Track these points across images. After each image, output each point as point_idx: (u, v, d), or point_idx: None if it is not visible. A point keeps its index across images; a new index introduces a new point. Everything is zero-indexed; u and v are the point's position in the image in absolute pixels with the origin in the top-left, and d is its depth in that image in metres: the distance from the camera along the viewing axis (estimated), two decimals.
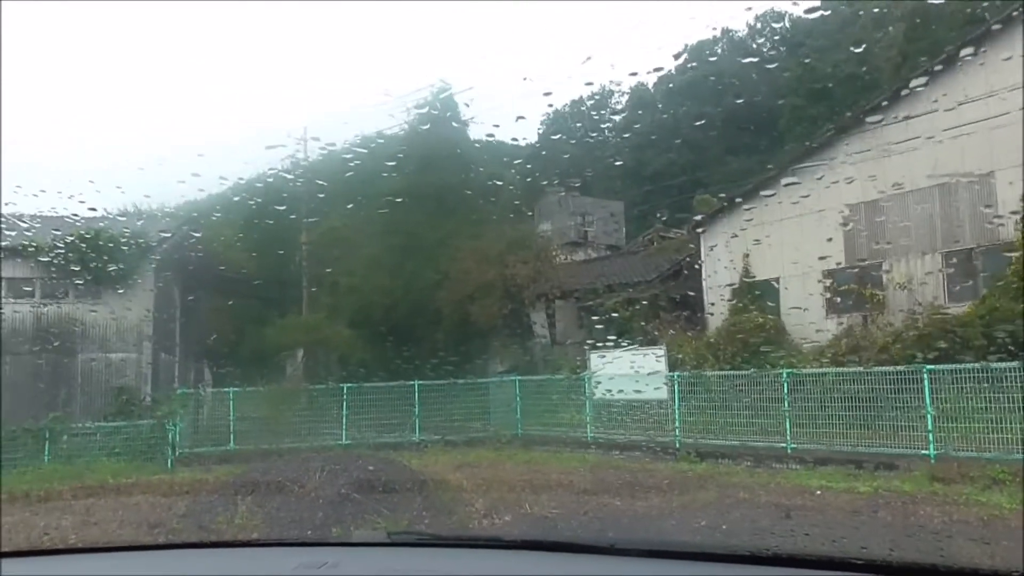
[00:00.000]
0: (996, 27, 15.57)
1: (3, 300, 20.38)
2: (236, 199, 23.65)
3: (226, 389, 20.10)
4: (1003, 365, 12.17)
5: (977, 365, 12.55)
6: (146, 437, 17.74)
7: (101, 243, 19.99)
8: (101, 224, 20.44)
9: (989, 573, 1.95)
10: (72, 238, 19.68)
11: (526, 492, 10.73)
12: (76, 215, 17.39)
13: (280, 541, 3.38)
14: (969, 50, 15.52)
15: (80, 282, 20.08)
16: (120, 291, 20.29)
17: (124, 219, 22.41)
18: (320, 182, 25.48)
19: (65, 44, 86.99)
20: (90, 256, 19.80)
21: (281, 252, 26.38)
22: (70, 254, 19.73)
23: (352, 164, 22.83)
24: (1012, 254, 14.94)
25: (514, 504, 9.99)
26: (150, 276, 21.23)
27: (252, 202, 22.28)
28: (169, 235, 21.77)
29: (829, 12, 38.39)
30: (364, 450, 14.85)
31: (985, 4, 18.56)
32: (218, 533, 7.98)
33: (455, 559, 2.44)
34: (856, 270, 18.27)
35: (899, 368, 13.51)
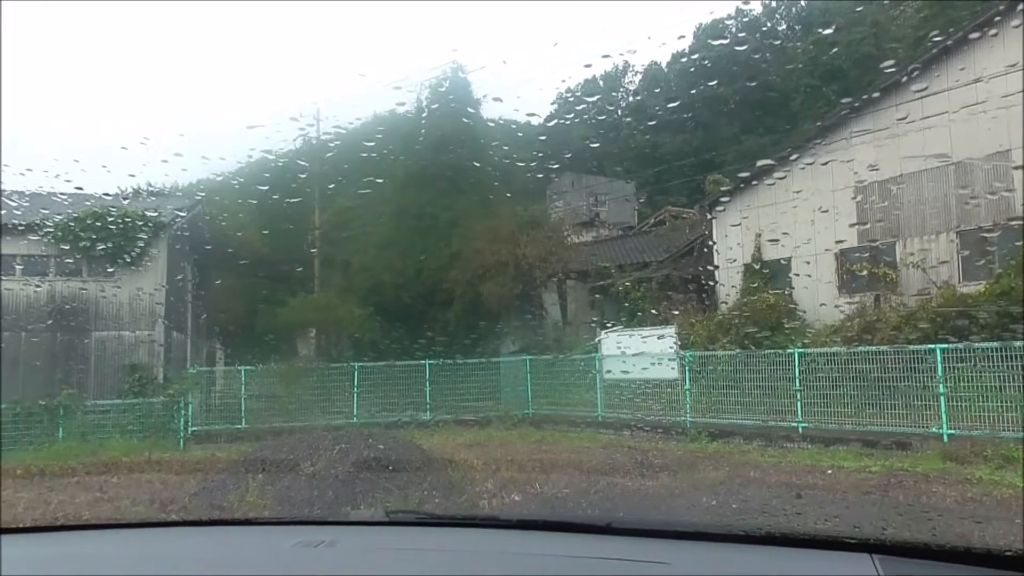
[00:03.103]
0: (1013, 3, 15.24)
1: (15, 277, 20.50)
2: (248, 179, 23.70)
3: (238, 368, 20.25)
4: (1017, 344, 12.05)
5: (990, 344, 12.43)
6: (159, 415, 17.91)
7: (114, 221, 20.11)
8: (113, 202, 20.52)
9: (982, 551, 1.94)
10: (85, 216, 19.80)
11: (536, 471, 10.76)
12: (91, 193, 17.41)
13: (280, 520, 3.40)
14: (985, 28, 15.27)
15: (93, 260, 20.22)
16: (133, 270, 20.41)
17: (136, 198, 22.49)
18: (332, 162, 25.46)
19: (71, 22, 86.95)
20: (103, 234, 19.93)
21: (293, 231, 26.43)
22: (83, 232, 19.86)
23: (364, 144, 22.77)
24: None
25: (524, 483, 9.99)
26: (163, 255, 21.34)
27: (264, 182, 22.32)
28: (183, 214, 21.83)
29: None
30: (375, 429, 14.90)
31: None
32: (229, 511, 8.04)
33: (452, 537, 2.46)
34: (869, 249, 18.11)
35: (912, 347, 13.41)
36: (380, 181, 23.93)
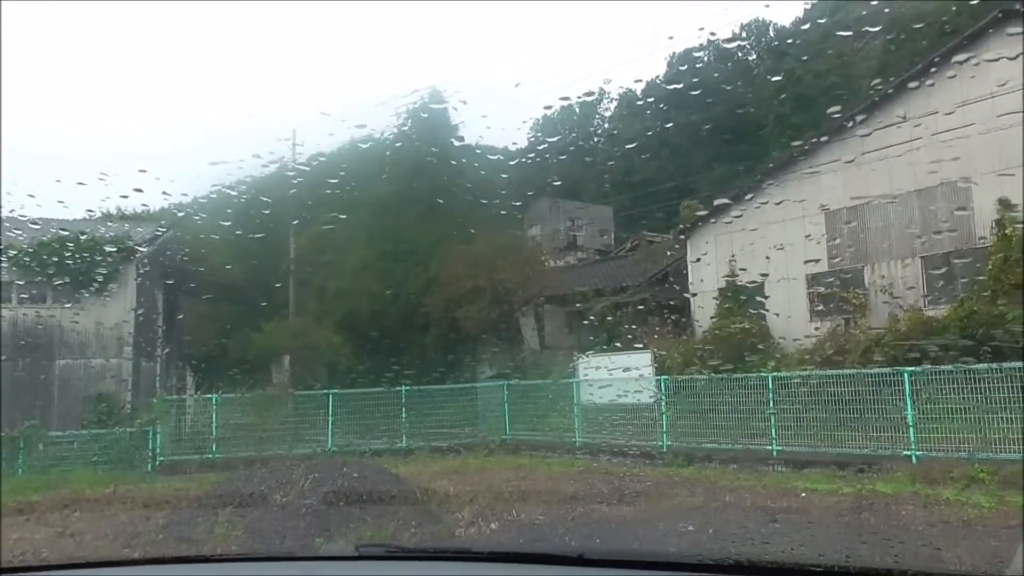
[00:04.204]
0: (969, 39, 15.80)
1: None
2: (222, 202, 23.55)
3: (209, 396, 19.90)
4: (981, 367, 12.30)
5: (956, 367, 12.65)
6: (125, 445, 17.46)
7: (82, 246, 19.70)
8: (83, 226, 20.18)
9: None
10: (51, 242, 19.41)
11: (513, 499, 10.68)
12: (58, 218, 17.06)
13: (247, 555, 3.34)
14: (946, 60, 15.80)
15: (59, 286, 19.79)
16: (101, 295, 20.02)
17: (107, 221, 22.14)
18: (308, 187, 25.38)
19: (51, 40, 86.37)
20: (70, 259, 19.53)
21: (268, 256, 26.26)
22: (48, 257, 19.46)
23: (341, 168, 22.74)
24: (988, 258, 15.16)
25: (501, 511, 9.93)
26: (132, 280, 20.97)
27: (237, 207, 22.16)
28: (153, 238, 21.52)
29: (808, 26, 38.96)
30: (350, 457, 14.70)
31: (960, 14, 18.89)
32: (197, 545, 7.86)
33: (422, 571, 2.43)
34: (838, 274, 18.43)
35: (881, 370, 13.61)
36: (357, 206, 23.92)
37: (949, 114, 14.00)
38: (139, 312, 21.01)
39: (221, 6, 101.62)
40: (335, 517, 9.09)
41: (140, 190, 19.31)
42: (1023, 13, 13.18)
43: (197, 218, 24.54)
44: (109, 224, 21.30)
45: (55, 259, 19.46)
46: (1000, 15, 15.27)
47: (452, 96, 27.96)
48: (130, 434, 17.82)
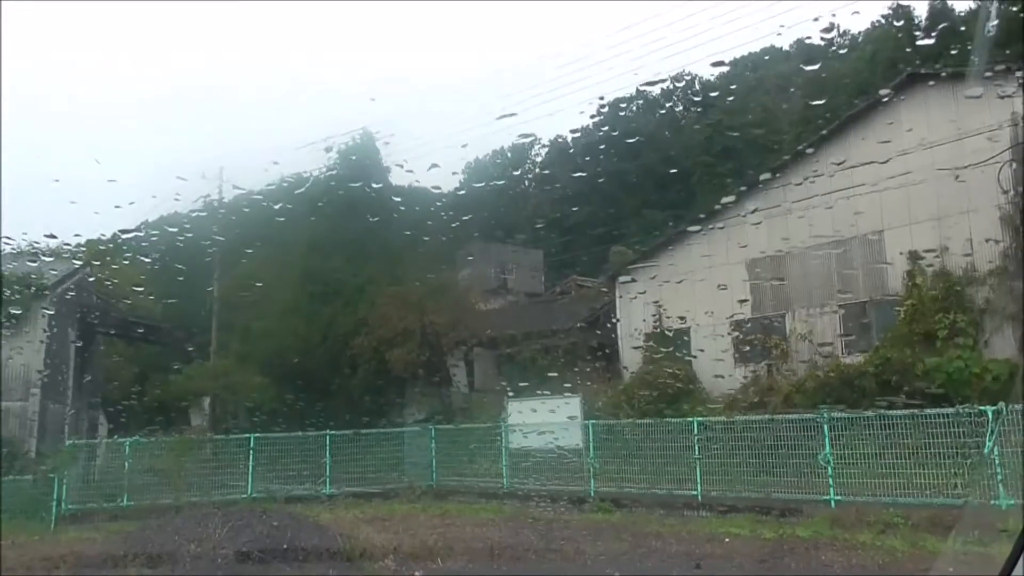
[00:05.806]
0: (884, 97, 16.95)
1: None
2: (141, 241, 22.79)
3: (122, 440, 18.90)
4: (895, 413, 12.83)
5: (871, 413, 13.15)
6: (27, 494, 16.37)
7: None
8: None
9: None
10: None
11: (438, 548, 10.53)
12: None
13: None
14: (861, 116, 16.90)
15: None
16: (6, 334, 18.89)
17: (15, 257, 21.00)
18: (234, 225, 24.83)
19: None
20: None
21: (190, 297, 25.42)
22: None
23: (269, 207, 22.38)
24: (900, 308, 16.01)
25: (426, 560, 9.80)
26: (41, 319, 19.90)
27: (160, 243, 21.44)
28: (65, 276, 20.52)
29: (734, 83, 41.13)
30: (270, 504, 14.23)
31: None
32: None
33: None
34: (761, 322, 19.04)
35: (801, 416, 14.02)
36: (285, 247, 23.51)
37: (863, 167, 14.85)
38: (48, 353, 19.91)
39: (154, 35, 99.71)
40: (252, 569, 8.81)
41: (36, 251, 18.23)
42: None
43: (144, 237, 23.63)
44: (13, 264, 20.14)
45: None
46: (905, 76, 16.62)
47: (384, 137, 27.88)
48: (33, 482, 16.70)
